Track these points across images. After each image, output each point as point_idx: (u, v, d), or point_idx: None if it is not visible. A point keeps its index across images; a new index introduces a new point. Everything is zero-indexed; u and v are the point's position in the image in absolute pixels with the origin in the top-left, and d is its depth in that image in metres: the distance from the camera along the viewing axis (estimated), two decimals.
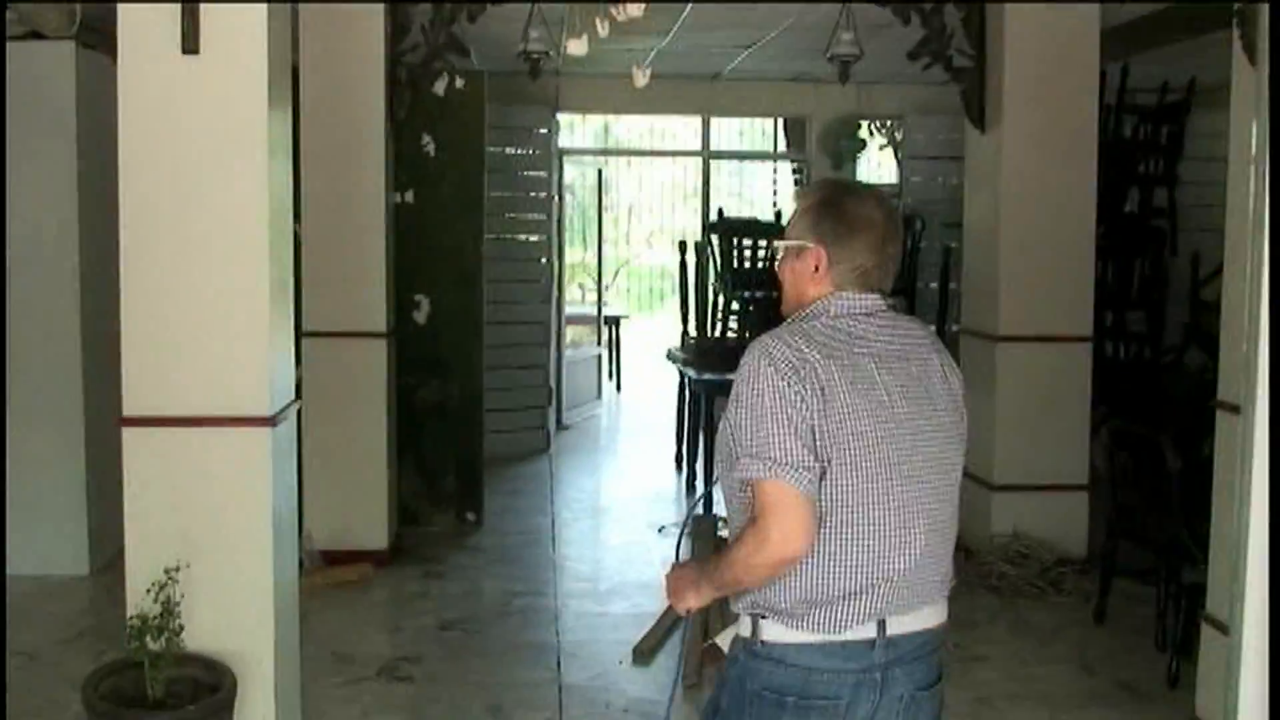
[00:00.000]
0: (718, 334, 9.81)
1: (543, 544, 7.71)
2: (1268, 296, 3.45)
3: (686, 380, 9.44)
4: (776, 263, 2.82)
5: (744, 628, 2.65)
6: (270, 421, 4.20)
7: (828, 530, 2.52)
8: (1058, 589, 6.77)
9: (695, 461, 9.21)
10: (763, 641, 2.60)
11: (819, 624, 2.55)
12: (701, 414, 8.99)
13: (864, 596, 2.55)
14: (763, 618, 2.59)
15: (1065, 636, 6.20)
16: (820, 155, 11.55)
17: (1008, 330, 7.13)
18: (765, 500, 2.47)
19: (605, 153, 15.65)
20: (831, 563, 2.54)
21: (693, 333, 9.79)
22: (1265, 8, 3.82)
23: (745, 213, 14.67)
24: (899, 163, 11.77)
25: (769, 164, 15.45)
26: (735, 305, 9.59)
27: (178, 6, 4.09)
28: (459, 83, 7.77)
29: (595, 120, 16.67)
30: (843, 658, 2.57)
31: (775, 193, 15.00)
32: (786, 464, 2.46)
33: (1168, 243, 8.53)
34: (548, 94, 10.81)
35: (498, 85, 9.30)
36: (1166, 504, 5.77)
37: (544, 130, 10.52)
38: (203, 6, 4.12)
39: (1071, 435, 7.21)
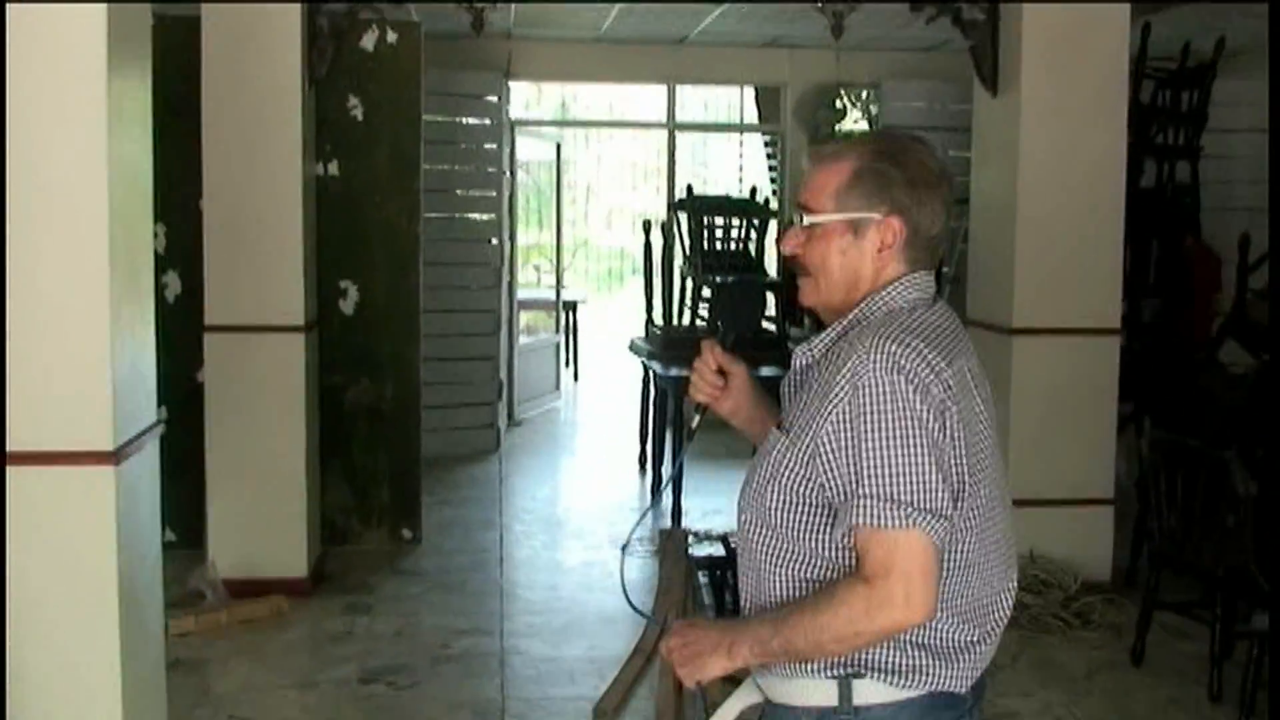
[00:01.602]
0: (686, 323, 8.83)
1: (489, 566, 6.73)
2: None
3: (652, 375, 8.48)
4: (795, 242, 2.21)
5: (818, 695, 2.10)
6: (113, 457, 3.20)
7: (955, 569, 2.07)
8: (1085, 621, 5.86)
9: (660, 464, 8.27)
10: (857, 708, 2.09)
11: (941, 678, 2.07)
12: (669, 412, 8.05)
13: (985, 644, 2.13)
14: (857, 676, 2.07)
15: (1101, 683, 5.28)
16: (796, 127, 10.58)
17: (1023, 322, 6.20)
18: (893, 555, 1.96)
19: (563, 124, 14.63)
20: (960, 607, 2.08)
21: (658, 321, 8.81)
22: None
23: (707, 191, 13.70)
24: None
25: (733, 139, 14.53)
26: (706, 291, 8.61)
27: None
28: (391, 36, 6.73)
29: (551, 99, 15.70)
30: (946, 705, 2.12)
31: (741, 169, 14.08)
32: (928, 511, 1.97)
33: (1191, 222, 7.62)
34: (498, 58, 9.80)
35: (442, 48, 8.33)
36: (1229, 533, 4.87)
37: (494, 98, 9.51)
38: None
39: (1095, 442, 6.30)
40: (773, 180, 11.05)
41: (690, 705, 4.90)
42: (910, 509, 1.96)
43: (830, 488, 2.04)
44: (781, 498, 2.10)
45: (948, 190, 2.18)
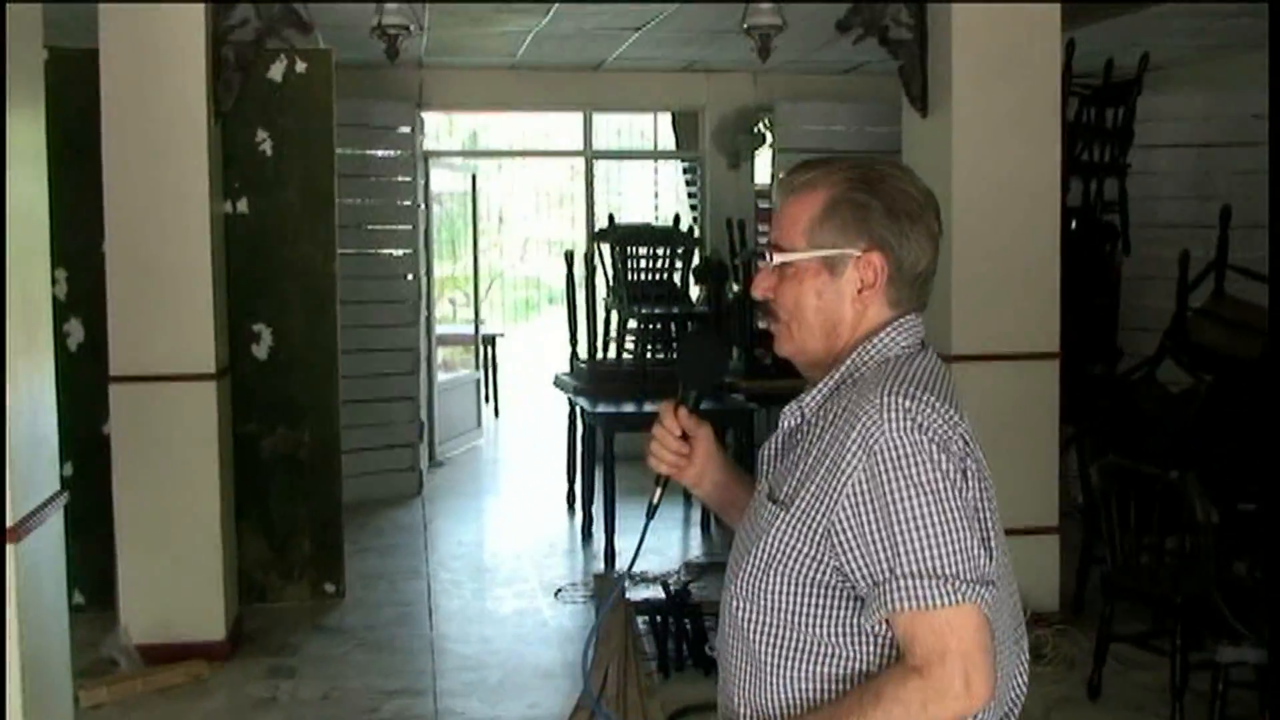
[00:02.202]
0: (613, 356, 8.60)
1: (417, 619, 6.43)
2: None
3: (579, 410, 8.24)
4: (767, 285, 1.96)
5: None
6: (13, 534, 2.91)
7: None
8: (1037, 655, 5.70)
9: (591, 504, 8.00)
10: None
11: None
12: (598, 449, 7.80)
13: None
14: None
15: None
16: (715, 152, 10.42)
17: (962, 349, 6.05)
18: (947, 638, 1.72)
19: (478, 154, 14.38)
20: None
21: (583, 355, 8.57)
22: None
23: (622, 219, 13.51)
24: (773, 158, 10.44)
25: (646, 166, 14.39)
26: (632, 323, 8.40)
27: None
28: (300, 66, 6.45)
29: (461, 129, 15.46)
30: None
31: (657, 196, 13.90)
32: (975, 580, 1.73)
33: (1120, 240, 7.54)
34: (410, 88, 9.55)
35: (352, 77, 8.06)
36: (1185, 560, 4.74)
37: (407, 129, 9.24)
38: None
39: (1039, 469, 6.16)
40: (693, 208, 10.88)
41: None
42: (958, 581, 1.72)
43: (854, 571, 1.78)
44: (786, 584, 1.83)
45: (934, 220, 1.94)
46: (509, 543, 7.99)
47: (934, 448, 1.75)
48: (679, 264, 8.75)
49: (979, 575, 1.73)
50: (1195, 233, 7.80)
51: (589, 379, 8.04)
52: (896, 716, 1.73)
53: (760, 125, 10.41)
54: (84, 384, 5.86)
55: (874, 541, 1.75)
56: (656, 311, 8.22)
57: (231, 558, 6.03)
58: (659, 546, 7.52)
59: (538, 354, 15.55)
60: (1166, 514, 4.89)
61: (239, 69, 5.87)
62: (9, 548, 2.86)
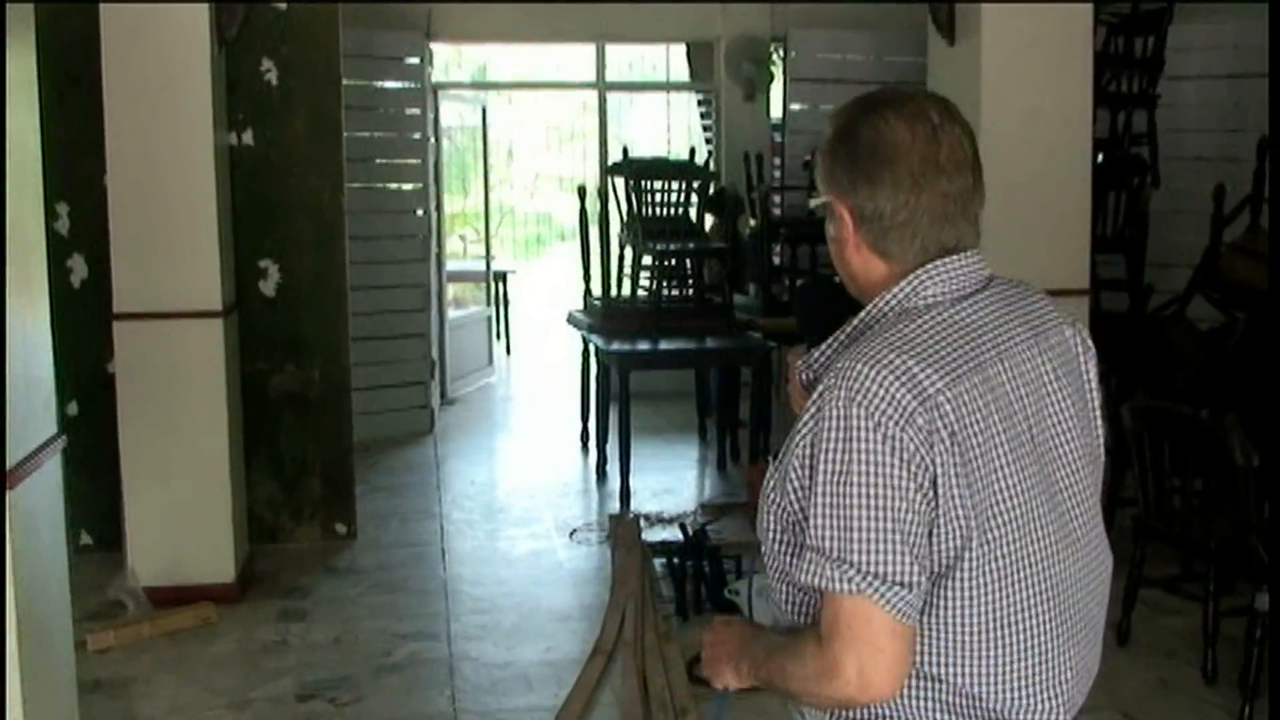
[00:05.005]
0: (626, 293, 8.43)
1: (430, 560, 6.31)
2: None
3: (593, 348, 8.08)
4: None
5: None
6: (8, 480, 2.76)
7: (970, 640, 1.69)
8: None
9: (605, 442, 7.87)
10: None
11: None
12: (612, 388, 7.66)
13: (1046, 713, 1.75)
14: None
15: None
16: (730, 85, 10.18)
17: None
18: (841, 623, 1.64)
19: (489, 86, 14.10)
20: (980, 686, 1.70)
21: (597, 292, 8.40)
22: None
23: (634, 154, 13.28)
24: (785, 89, 10.11)
25: (658, 101, 14.17)
26: (646, 259, 8.23)
27: None
28: None
29: (470, 62, 15.23)
30: None
31: (669, 129, 13.70)
32: (880, 578, 1.62)
33: (1150, 173, 7.33)
34: (418, 18, 9.31)
35: (357, 6, 7.83)
36: (1223, 506, 4.59)
37: (415, 60, 9.03)
38: None
39: None
40: (708, 140, 10.65)
41: (659, 710, 4.57)
42: (855, 572, 1.62)
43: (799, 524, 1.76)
44: (766, 522, 1.81)
45: (928, 159, 1.75)
46: (522, 482, 7.86)
47: (867, 426, 1.64)
48: (695, 199, 8.55)
49: (888, 574, 1.62)
50: (1223, 166, 7.59)
51: (603, 316, 7.88)
52: (796, 677, 1.72)
53: (774, 55, 10.16)
54: (88, 321, 5.75)
55: (806, 505, 1.70)
56: (672, 248, 8.03)
57: (240, 498, 5.92)
58: (675, 487, 7.41)
59: (548, 291, 15.39)
60: (1200, 456, 4.75)
61: None
62: (5, 494, 2.73)
